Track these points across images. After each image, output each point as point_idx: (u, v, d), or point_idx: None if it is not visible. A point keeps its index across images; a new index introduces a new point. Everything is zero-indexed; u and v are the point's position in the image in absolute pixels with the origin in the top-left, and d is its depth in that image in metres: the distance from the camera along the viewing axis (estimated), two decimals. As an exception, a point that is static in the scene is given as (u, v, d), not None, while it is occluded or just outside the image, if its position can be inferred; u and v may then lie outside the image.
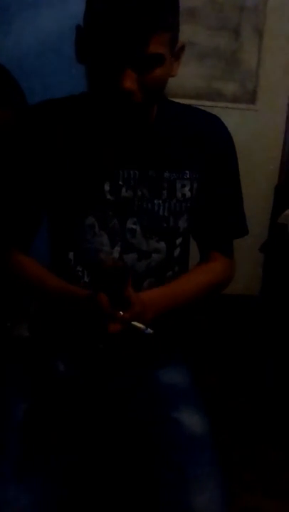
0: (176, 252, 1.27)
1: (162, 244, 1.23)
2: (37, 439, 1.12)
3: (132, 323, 1.04)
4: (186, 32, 2.44)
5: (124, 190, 1.19)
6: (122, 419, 1.23)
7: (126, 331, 1.05)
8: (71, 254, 1.23)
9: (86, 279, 1.20)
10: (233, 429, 2.02)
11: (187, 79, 2.60)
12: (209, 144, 1.23)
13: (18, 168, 1.23)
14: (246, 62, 2.69)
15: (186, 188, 1.22)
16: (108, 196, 1.19)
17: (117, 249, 1.18)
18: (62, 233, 1.25)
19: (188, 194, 1.22)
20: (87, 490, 1.18)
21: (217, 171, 1.24)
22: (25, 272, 1.24)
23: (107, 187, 1.19)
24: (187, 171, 1.22)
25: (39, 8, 2.33)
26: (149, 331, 1.06)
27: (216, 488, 1.06)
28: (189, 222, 1.26)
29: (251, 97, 2.74)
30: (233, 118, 2.55)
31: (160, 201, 1.21)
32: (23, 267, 1.24)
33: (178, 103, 1.25)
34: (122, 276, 1.06)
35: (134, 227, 1.21)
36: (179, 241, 1.26)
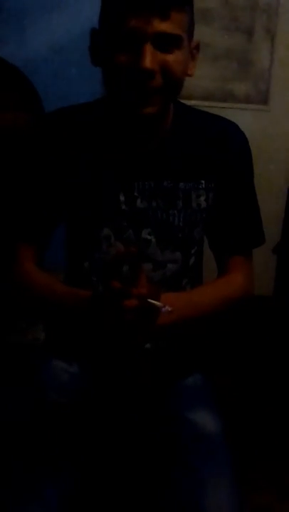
0: (191, 260, 1.26)
1: (177, 254, 1.22)
2: (46, 441, 1.12)
3: (149, 300, 1.00)
4: (199, 33, 2.44)
5: (139, 201, 1.18)
6: (134, 419, 1.23)
7: (142, 309, 1.00)
8: (86, 264, 1.22)
9: (101, 289, 1.17)
10: (245, 429, 2.02)
11: (200, 80, 2.60)
12: (225, 153, 1.21)
13: (32, 176, 1.22)
14: (259, 62, 2.69)
15: (202, 198, 1.21)
16: (123, 207, 1.18)
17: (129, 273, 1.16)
18: (78, 243, 1.24)
19: (203, 204, 1.21)
20: (96, 490, 1.18)
21: (233, 181, 1.23)
22: (33, 281, 1.22)
23: (122, 198, 1.18)
24: (203, 181, 1.20)
25: (54, 13, 2.34)
26: (167, 308, 1.02)
27: (229, 488, 1.06)
28: (204, 232, 1.25)
29: (264, 98, 2.73)
30: (245, 118, 2.56)
31: (175, 211, 1.20)
32: (31, 277, 1.22)
33: (194, 109, 1.25)
34: (135, 261, 1.03)
35: (149, 237, 1.20)
36: (194, 250, 1.25)
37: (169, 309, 1.02)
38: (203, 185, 1.21)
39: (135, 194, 1.19)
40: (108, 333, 1.08)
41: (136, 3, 1.01)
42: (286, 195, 2.81)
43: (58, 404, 1.20)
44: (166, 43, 1.03)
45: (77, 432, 1.16)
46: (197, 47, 1.15)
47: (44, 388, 1.23)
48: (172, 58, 1.05)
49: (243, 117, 2.54)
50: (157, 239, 1.20)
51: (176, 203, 1.20)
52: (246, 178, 1.26)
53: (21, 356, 1.62)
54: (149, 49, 1.02)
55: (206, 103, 2.54)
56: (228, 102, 2.68)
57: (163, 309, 1.02)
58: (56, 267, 1.28)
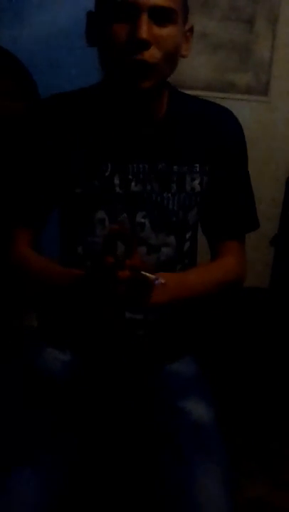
0: (186, 246, 1.26)
1: (172, 238, 1.23)
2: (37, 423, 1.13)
3: (142, 272, 1.01)
4: (200, 23, 2.43)
5: (133, 184, 1.19)
6: (127, 407, 1.24)
7: (136, 280, 1.00)
8: (80, 249, 1.23)
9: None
10: (238, 418, 2.03)
11: (200, 70, 2.59)
12: (220, 137, 1.23)
13: (27, 160, 1.23)
14: (260, 53, 2.67)
15: (196, 182, 1.22)
16: (118, 190, 1.19)
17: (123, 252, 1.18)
18: (72, 227, 1.25)
19: (197, 188, 1.22)
20: (89, 483, 1.19)
21: (227, 165, 1.24)
22: (29, 264, 1.22)
23: (116, 181, 1.19)
24: (197, 165, 1.22)
25: (53, 2, 2.33)
26: (160, 281, 1.02)
27: (220, 476, 1.07)
28: (199, 216, 1.26)
29: (264, 89, 2.72)
30: (246, 109, 2.55)
31: (169, 195, 1.21)
32: (26, 258, 1.23)
33: (189, 95, 1.26)
34: (129, 240, 1.03)
35: (143, 220, 1.21)
36: (188, 235, 1.26)
37: (162, 281, 1.03)
38: (198, 169, 1.22)
39: (130, 177, 1.20)
40: (102, 309, 1.08)
41: None
42: (285, 187, 2.80)
43: (49, 391, 1.20)
44: (161, 16, 1.07)
45: (68, 420, 1.17)
46: (191, 29, 1.18)
47: (36, 377, 1.24)
48: (166, 32, 1.08)
49: (244, 108, 2.54)
50: (151, 222, 1.21)
51: (171, 186, 1.21)
52: (240, 162, 1.27)
53: (15, 341, 1.62)
54: (144, 20, 1.05)
55: (207, 93, 2.53)
56: (228, 92, 2.67)
57: (156, 281, 1.02)
58: (51, 255, 1.28)
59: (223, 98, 2.58)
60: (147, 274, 1.01)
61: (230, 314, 2.42)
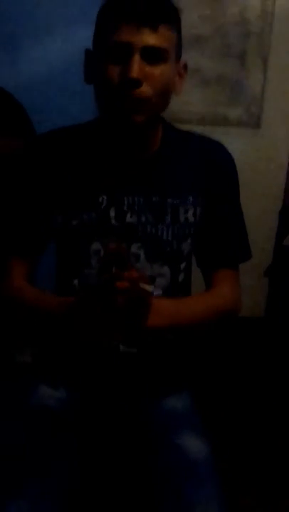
0: (180, 277, 1.28)
1: (166, 269, 1.24)
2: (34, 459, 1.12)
3: (140, 284, 1.01)
4: (193, 59, 2.48)
5: (128, 215, 1.22)
6: (122, 444, 1.23)
7: (134, 291, 1.01)
8: (76, 281, 1.24)
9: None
10: (234, 453, 2.01)
11: (193, 104, 2.63)
12: (212, 169, 1.25)
13: (24, 195, 1.25)
14: (251, 88, 2.72)
15: (190, 213, 1.24)
16: (113, 222, 1.21)
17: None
18: (67, 260, 1.26)
19: (191, 219, 1.24)
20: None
21: (220, 196, 1.26)
22: (24, 295, 1.23)
23: (112, 213, 1.21)
24: (190, 197, 1.24)
25: (46, 37, 2.37)
26: (158, 292, 1.05)
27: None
28: (192, 247, 1.27)
29: (256, 122, 2.76)
30: (238, 142, 2.57)
31: (164, 226, 1.23)
32: (21, 290, 1.24)
33: (182, 130, 1.29)
34: (126, 256, 1.04)
35: (138, 252, 1.22)
36: (182, 266, 1.28)
37: (160, 293, 1.06)
38: (191, 201, 1.24)
39: (125, 209, 1.22)
40: (97, 336, 1.07)
41: (126, 15, 1.09)
42: (278, 218, 2.83)
43: (44, 428, 1.19)
44: (154, 56, 1.11)
45: (63, 456, 1.16)
46: (185, 66, 1.22)
47: (30, 415, 1.23)
48: (158, 71, 1.12)
49: (236, 141, 2.55)
50: (146, 253, 1.23)
51: (165, 218, 1.23)
52: (232, 194, 1.30)
53: (8, 377, 1.62)
54: (136, 60, 1.09)
55: (199, 127, 2.56)
56: (221, 125, 2.70)
57: (154, 293, 1.04)
58: (46, 287, 1.29)
59: (215, 131, 2.61)
60: (145, 286, 1.02)
61: (226, 344, 2.42)
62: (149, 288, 1.03)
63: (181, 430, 1.21)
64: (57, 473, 1.11)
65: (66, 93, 2.30)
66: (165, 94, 1.15)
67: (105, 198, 1.22)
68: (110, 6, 1.14)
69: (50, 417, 1.22)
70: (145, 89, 1.10)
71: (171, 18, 1.14)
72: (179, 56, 1.19)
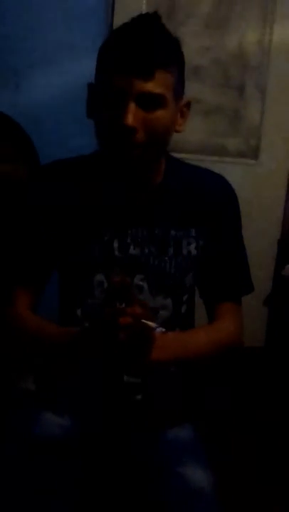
0: (183, 308, 1.28)
1: (169, 301, 1.24)
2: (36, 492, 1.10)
3: (142, 320, 1.01)
4: (192, 89, 2.50)
5: (132, 247, 1.22)
6: (125, 474, 1.22)
7: (137, 327, 1.00)
8: (79, 311, 1.24)
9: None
10: (237, 484, 1.99)
11: (192, 134, 2.65)
12: (214, 203, 1.26)
13: (28, 224, 1.25)
14: (249, 118, 2.75)
15: (192, 246, 1.24)
16: (117, 253, 1.22)
17: (124, 305, 1.18)
18: (71, 290, 1.26)
19: (194, 252, 1.25)
20: None
21: (222, 229, 1.27)
22: (28, 325, 1.23)
23: (115, 244, 1.22)
24: (193, 229, 1.25)
25: (48, 68, 2.39)
26: (161, 329, 1.04)
27: None
28: (195, 279, 1.27)
29: (254, 153, 2.78)
30: (236, 172, 2.60)
31: (167, 258, 1.23)
32: (25, 320, 1.23)
33: (184, 162, 1.30)
34: (130, 290, 1.04)
35: (141, 283, 1.23)
36: (185, 297, 1.28)
37: (163, 330, 1.06)
38: (194, 234, 1.25)
39: (128, 241, 1.22)
40: (103, 359, 1.07)
41: (120, 64, 1.08)
42: (276, 248, 2.83)
43: (47, 459, 1.18)
44: (150, 102, 1.09)
45: (66, 485, 1.14)
46: (188, 105, 1.20)
47: (34, 444, 1.21)
48: (155, 116, 1.10)
49: (234, 171, 2.58)
50: (149, 285, 1.23)
51: (168, 250, 1.23)
52: (234, 227, 1.30)
53: (12, 405, 1.60)
54: (131, 107, 1.08)
55: (198, 156, 2.58)
56: (219, 156, 2.72)
57: (157, 329, 1.04)
58: (49, 316, 1.28)
59: (214, 161, 2.63)
60: (148, 322, 1.02)
61: (227, 374, 2.40)
62: (151, 324, 1.02)
63: (184, 460, 1.20)
64: (61, 501, 1.10)
65: (69, 123, 2.31)
66: (163, 138, 1.15)
67: (109, 229, 1.22)
68: (107, 48, 1.14)
69: (54, 445, 1.21)
70: (140, 135, 1.10)
71: (169, 60, 1.13)
72: (180, 95, 1.17)
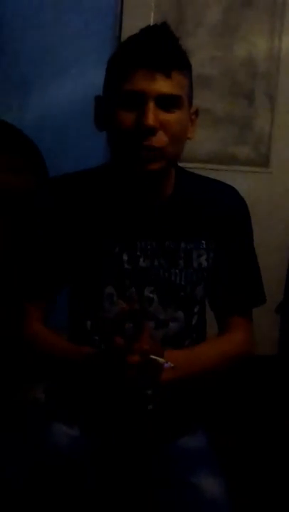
0: (194, 320, 1.27)
1: (180, 313, 1.24)
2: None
3: (151, 356, 1.01)
4: (201, 98, 2.51)
5: (141, 260, 1.22)
6: (138, 484, 1.21)
7: (145, 365, 1.01)
8: (88, 323, 1.24)
9: (103, 346, 1.18)
10: (249, 492, 1.98)
11: (202, 143, 2.65)
12: (225, 215, 1.26)
13: (38, 238, 1.26)
14: (259, 127, 2.75)
15: (203, 258, 1.24)
16: (126, 266, 1.21)
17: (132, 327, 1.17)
18: (80, 302, 1.26)
19: (204, 264, 1.24)
20: None
21: (233, 241, 1.26)
22: (41, 341, 1.24)
23: (125, 257, 1.21)
24: (203, 241, 1.24)
25: (56, 79, 2.40)
26: (170, 364, 1.03)
27: None
28: (206, 291, 1.27)
29: (264, 161, 2.78)
30: (246, 181, 2.60)
31: (177, 270, 1.23)
32: (39, 336, 1.24)
33: (194, 174, 1.30)
34: (139, 319, 1.05)
35: (151, 295, 1.22)
36: (196, 309, 1.27)
37: (172, 365, 1.04)
38: (204, 246, 1.24)
39: (138, 253, 1.22)
40: (111, 390, 1.08)
41: (140, 62, 1.09)
42: (287, 255, 2.82)
43: (57, 470, 1.18)
44: (168, 103, 1.11)
45: (77, 498, 1.14)
46: (196, 112, 1.22)
47: (43, 454, 1.22)
48: (173, 118, 1.12)
49: (245, 180, 2.59)
50: (160, 297, 1.23)
51: (178, 263, 1.23)
52: (246, 238, 1.30)
53: (21, 415, 1.60)
54: (152, 108, 1.09)
55: (209, 166, 2.58)
56: (229, 164, 2.72)
57: (166, 365, 1.03)
58: (59, 327, 1.29)
59: (225, 170, 2.63)
60: (157, 358, 1.02)
61: (239, 383, 2.39)
62: (160, 360, 1.03)
63: (198, 470, 1.20)
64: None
65: (76, 136, 2.32)
66: (180, 141, 1.16)
67: (118, 242, 1.22)
68: (123, 53, 1.16)
69: (64, 457, 1.21)
70: (160, 137, 1.11)
71: (184, 64, 1.15)
72: (191, 101, 1.19)
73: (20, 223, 1.31)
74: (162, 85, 1.10)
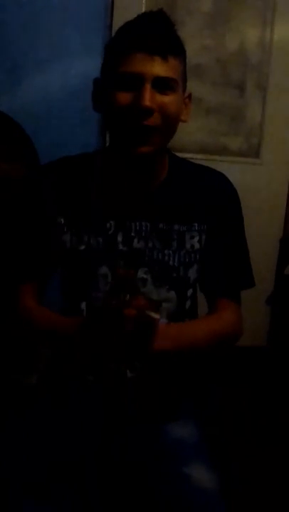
0: (187, 304, 1.29)
1: (172, 294, 1.26)
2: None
3: (147, 312, 1.02)
4: (193, 88, 2.51)
5: (136, 241, 1.24)
6: (130, 474, 1.21)
7: (141, 318, 1.02)
8: (83, 305, 1.25)
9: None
10: (242, 482, 1.98)
11: (194, 133, 2.65)
12: (216, 199, 1.29)
13: (32, 218, 1.27)
14: (250, 117, 2.75)
15: (195, 240, 1.27)
16: (121, 247, 1.24)
17: (128, 297, 1.19)
18: (75, 283, 1.28)
19: (197, 245, 1.27)
20: None
21: (223, 224, 1.29)
22: (35, 317, 1.25)
23: (120, 238, 1.24)
24: (196, 224, 1.27)
25: (48, 65, 2.39)
26: (164, 320, 1.06)
27: None
28: (199, 273, 1.28)
29: (256, 151, 2.78)
30: (238, 171, 2.59)
31: (170, 252, 1.25)
32: (32, 313, 1.25)
33: (188, 161, 1.34)
34: (134, 283, 1.06)
35: (145, 276, 1.24)
36: (189, 293, 1.29)
37: (166, 321, 1.08)
38: (196, 228, 1.27)
39: (132, 234, 1.24)
40: (106, 349, 1.07)
41: (138, 45, 1.13)
42: (278, 247, 2.83)
43: (47, 448, 1.18)
44: (164, 85, 1.14)
45: (66, 480, 1.14)
46: (189, 96, 1.26)
47: (34, 433, 1.22)
48: (168, 99, 1.15)
49: (236, 170, 2.58)
50: (153, 278, 1.25)
51: (171, 244, 1.25)
52: (236, 222, 1.33)
53: (14, 398, 1.60)
54: (148, 89, 1.12)
55: (199, 156, 2.58)
56: (221, 155, 2.72)
57: (161, 320, 1.05)
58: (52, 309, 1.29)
59: (216, 161, 2.63)
60: (152, 314, 1.03)
61: (228, 374, 2.39)
62: (155, 315, 1.04)
63: (189, 459, 1.20)
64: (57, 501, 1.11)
65: (68, 121, 2.32)
66: (174, 123, 1.19)
67: (113, 223, 1.24)
68: (120, 36, 1.19)
69: (52, 439, 1.21)
70: (156, 118, 1.14)
71: (179, 49, 1.19)
72: (184, 86, 1.22)
73: (16, 206, 1.31)
74: (159, 68, 1.13)
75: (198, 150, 2.68)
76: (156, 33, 1.14)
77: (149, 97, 1.12)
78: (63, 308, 1.32)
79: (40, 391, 1.35)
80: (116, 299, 1.03)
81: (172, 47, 1.15)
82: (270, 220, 2.82)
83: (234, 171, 2.62)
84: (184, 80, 1.21)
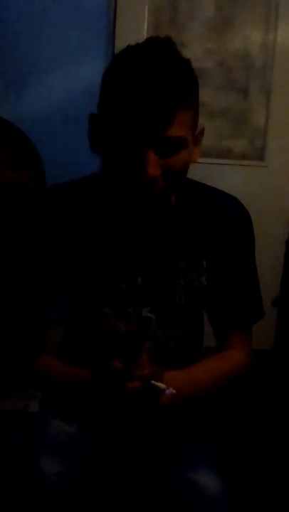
0: (192, 335, 1.24)
1: (179, 332, 1.20)
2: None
3: (152, 382, 0.98)
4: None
5: (139, 279, 1.17)
6: (135, 478, 1.21)
7: (146, 391, 0.98)
8: (87, 342, 1.20)
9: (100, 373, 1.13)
10: (247, 490, 1.98)
11: (198, 137, 2.65)
12: (228, 230, 1.20)
13: (33, 251, 1.21)
14: (254, 120, 2.75)
15: (204, 278, 1.19)
16: (123, 285, 1.16)
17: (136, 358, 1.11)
18: (77, 321, 1.24)
19: (204, 283, 1.19)
20: None
21: (235, 258, 1.21)
22: (34, 363, 1.22)
23: (123, 275, 1.17)
24: (204, 261, 1.18)
25: (51, 74, 2.40)
26: (171, 390, 0.99)
27: None
28: (205, 309, 1.24)
29: (260, 155, 2.78)
30: (242, 175, 2.59)
31: (176, 289, 1.18)
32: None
33: (197, 183, 1.22)
34: (136, 340, 1.01)
35: (149, 315, 1.18)
36: (194, 326, 1.25)
37: (173, 391, 1.00)
38: (205, 265, 1.19)
39: (136, 272, 1.17)
40: (111, 411, 1.06)
41: (139, 108, 0.98)
42: (284, 249, 2.82)
43: (56, 473, 1.16)
44: (170, 147, 1.01)
45: (77, 493, 1.14)
46: (202, 132, 1.12)
47: (41, 454, 1.20)
48: (175, 160, 1.02)
49: (240, 173, 2.58)
50: (158, 316, 1.18)
51: (178, 282, 1.18)
52: (248, 253, 1.25)
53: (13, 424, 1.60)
54: (151, 156, 1.00)
55: (204, 159, 2.58)
56: (225, 158, 2.72)
57: (167, 391, 0.99)
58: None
59: (220, 164, 2.63)
60: (157, 384, 0.99)
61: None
62: (161, 386, 0.99)
63: (195, 464, 1.19)
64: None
65: (70, 129, 2.32)
66: (182, 175, 1.09)
67: (116, 260, 1.17)
68: (115, 92, 1.01)
69: (62, 453, 1.20)
70: (160, 183, 1.03)
71: (189, 97, 1.04)
72: (196, 126, 1.10)
73: (18, 232, 1.28)
74: (163, 130, 0.99)
75: (203, 153, 2.65)
76: (159, 93, 0.97)
77: (153, 166, 0.99)
78: (64, 337, 1.30)
79: (46, 408, 1.34)
80: (118, 363, 0.97)
81: (180, 103, 0.99)
82: (275, 222, 2.81)
83: (238, 174, 2.64)
84: (196, 122, 1.08)
